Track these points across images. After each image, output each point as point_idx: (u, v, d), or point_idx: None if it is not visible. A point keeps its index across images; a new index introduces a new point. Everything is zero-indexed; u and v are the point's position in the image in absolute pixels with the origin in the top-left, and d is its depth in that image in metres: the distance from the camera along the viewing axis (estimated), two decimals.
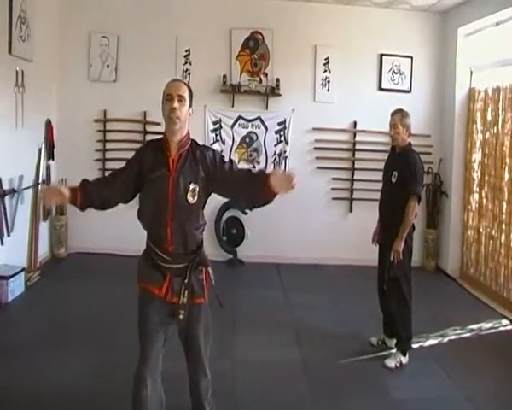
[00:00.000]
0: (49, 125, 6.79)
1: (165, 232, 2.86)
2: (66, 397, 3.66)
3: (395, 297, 4.47)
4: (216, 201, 7.05)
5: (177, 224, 2.86)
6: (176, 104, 2.82)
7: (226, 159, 2.97)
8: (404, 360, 4.46)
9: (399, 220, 4.35)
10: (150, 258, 2.93)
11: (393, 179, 4.44)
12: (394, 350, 4.55)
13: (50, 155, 6.84)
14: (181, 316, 2.87)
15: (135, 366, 2.91)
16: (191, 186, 2.86)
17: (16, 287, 5.55)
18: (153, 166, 2.87)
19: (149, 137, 7.20)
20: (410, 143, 4.54)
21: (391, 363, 4.43)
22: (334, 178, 7.44)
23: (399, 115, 4.48)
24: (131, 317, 4.48)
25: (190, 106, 2.92)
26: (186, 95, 2.87)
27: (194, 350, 3.04)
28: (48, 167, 6.77)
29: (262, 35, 7.27)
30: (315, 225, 7.44)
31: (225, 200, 7.09)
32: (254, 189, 2.83)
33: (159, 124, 7.18)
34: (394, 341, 4.64)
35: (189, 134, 2.95)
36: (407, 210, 4.34)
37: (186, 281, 2.88)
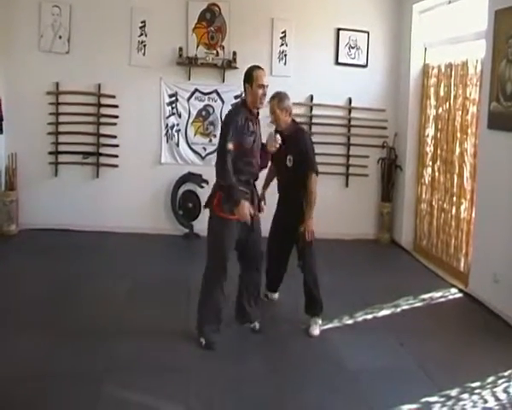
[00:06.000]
0: None
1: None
2: (16, 377, 3.57)
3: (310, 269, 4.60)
4: (172, 175, 7.14)
5: None
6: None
7: None
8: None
9: (302, 198, 4.53)
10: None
11: (289, 164, 4.54)
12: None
13: None
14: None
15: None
16: None
17: None
18: None
19: (104, 110, 7.09)
20: (294, 121, 4.68)
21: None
22: None
23: (276, 101, 4.57)
24: (84, 293, 4.39)
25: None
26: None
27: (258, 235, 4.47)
28: None
29: (219, 7, 7.16)
30: (271, 198, 7.43)
31: (181, 174, 7.08)
32: None
33: (113, 97, 7.05)
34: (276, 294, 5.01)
35: None
36: (310, 187, 4.47)
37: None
